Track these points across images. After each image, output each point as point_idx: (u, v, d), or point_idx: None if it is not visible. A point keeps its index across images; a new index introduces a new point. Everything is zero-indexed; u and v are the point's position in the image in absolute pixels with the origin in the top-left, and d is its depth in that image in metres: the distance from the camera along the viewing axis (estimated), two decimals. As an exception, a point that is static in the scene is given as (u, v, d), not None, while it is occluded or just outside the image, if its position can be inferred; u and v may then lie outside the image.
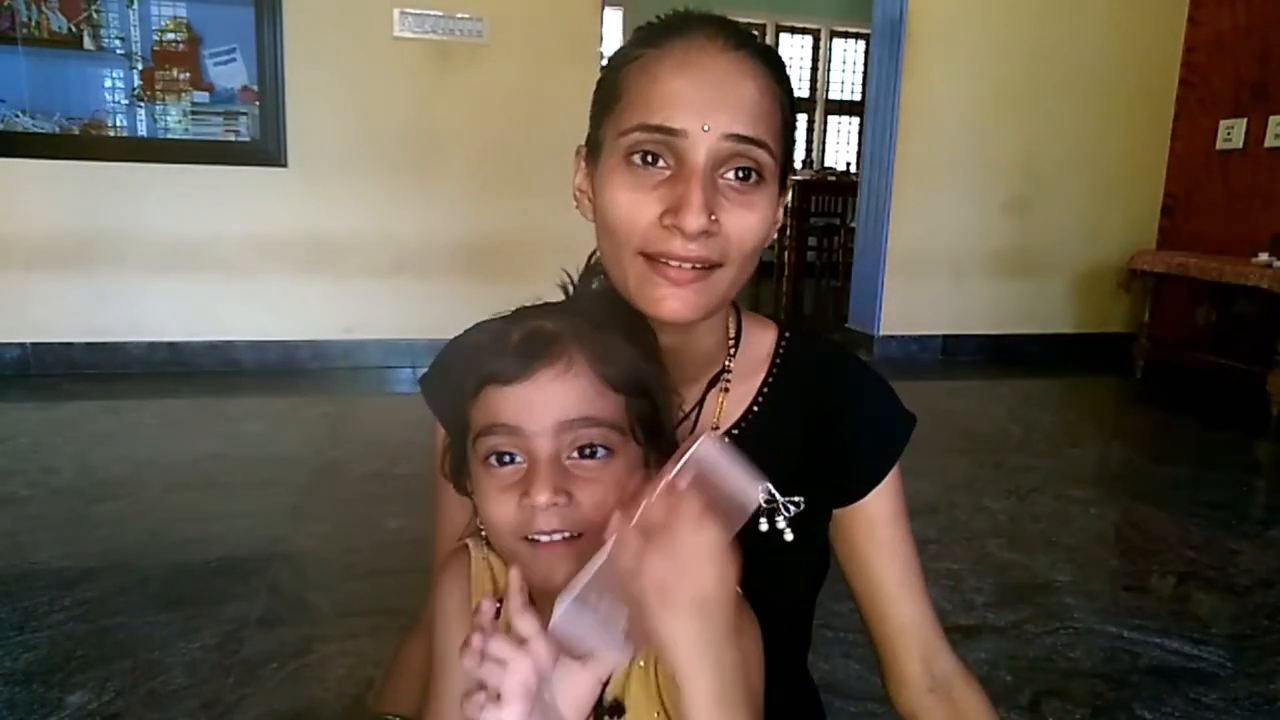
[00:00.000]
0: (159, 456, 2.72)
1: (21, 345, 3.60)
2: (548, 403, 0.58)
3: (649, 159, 0.68)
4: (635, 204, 0.68)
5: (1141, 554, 2.29)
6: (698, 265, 0.68)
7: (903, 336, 4.57)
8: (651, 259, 0.68)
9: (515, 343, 0.59)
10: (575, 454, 0.59)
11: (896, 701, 0.83)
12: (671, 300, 0.68)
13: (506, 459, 0.59)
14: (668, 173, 0.68)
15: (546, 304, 0.66)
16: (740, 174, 0.68)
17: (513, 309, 0.66)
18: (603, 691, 0.65)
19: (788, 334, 0.85)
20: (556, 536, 0.58)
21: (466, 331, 0.68)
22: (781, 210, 0.77)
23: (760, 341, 0.84)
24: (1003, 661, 1.68)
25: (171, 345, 3.74)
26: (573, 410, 0.58)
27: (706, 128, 0.66)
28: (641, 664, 0.65)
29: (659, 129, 0.67)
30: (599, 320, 0.62)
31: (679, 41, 0.69)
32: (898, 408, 0.85)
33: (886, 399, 0.84)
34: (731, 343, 0.82)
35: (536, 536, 0.58)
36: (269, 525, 2.20)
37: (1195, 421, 3.70)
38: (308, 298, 3.86)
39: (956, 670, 0.81)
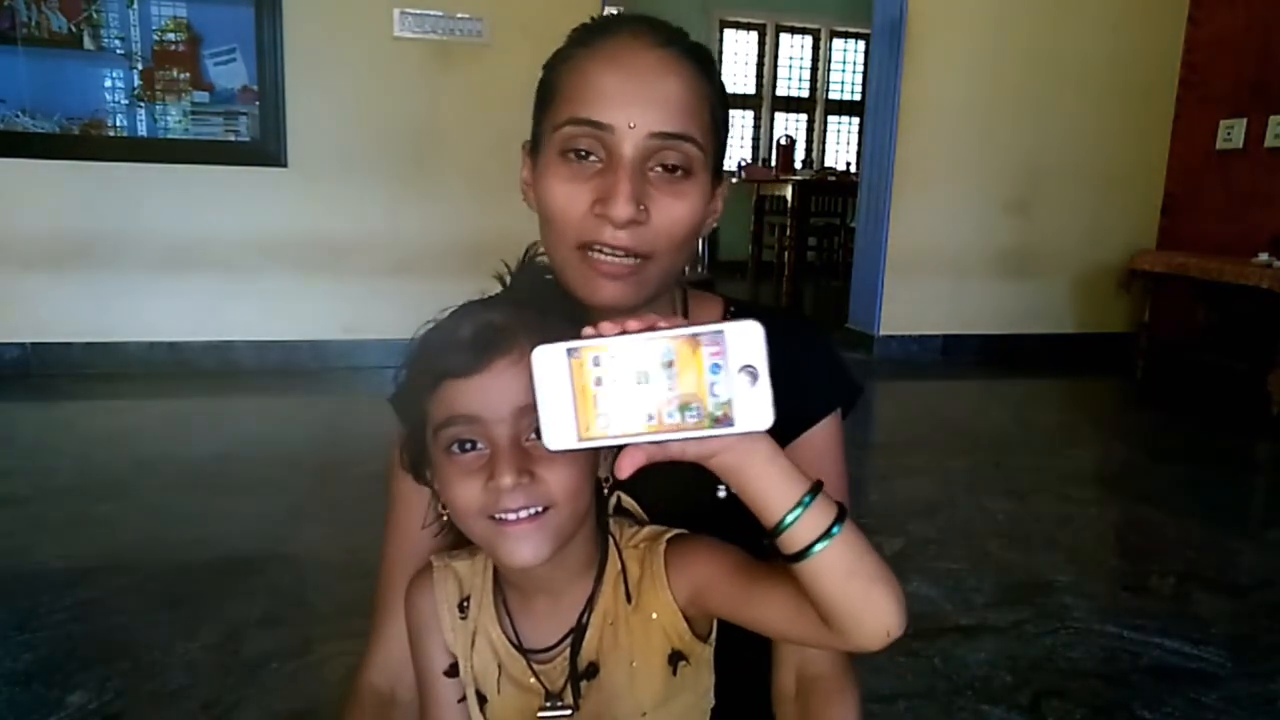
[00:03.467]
0: (159, 456, 2.72)
1: (21, 345, 3.60)
2: (504, 391, 0.60)
3: (581, 154, 0.71)
4: (569, 195, 0.71)
5: (1141, 554, 2.29)
6: (629, 255, 0.70)
7: (903, 336, 4.57)
8: (585, 251, 0.71)
9: (468, 337, 0.62)
10: (533, 435, 0.61)
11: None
12: (607, 289, 0.71)
13: (468, 446, 0.62)
14: (599, 165, 0.70)
15: (490, 297, 0.69)
16: (669, 167, 0.71)
17: (457, 304, 0.68)
18: (576, 657, 0.67)
19: (733, 308, 0.87)
20: (523, 514, 0.61)
21: (418, 333, 0.70)
22: (720, 200, 0.79)
23: (707, 315, 0.85)
24: (1003, 661, 1.68)
25: (171, 345, 3.74)
26: (528, 395, 0.60)
27: (633, 124, 0.69)
28: (611, 623, 0.68)
29: (588, 122, 0.69)
30: (541, 308, 0.65)
31: (608, 39, 0.72)
32: (845, 372, 0.85)
33: (835, 363, 0.85)
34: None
35: (503, 515, 0.61)
36: (269, 525, 2.20)
37: (1195, 421, 3.70)
38: (308, 298, 3.86)
39: (828, 674, 0.77)
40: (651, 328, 0.51)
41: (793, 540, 0.54)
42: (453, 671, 0.72)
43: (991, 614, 1.86)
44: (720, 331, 0.49)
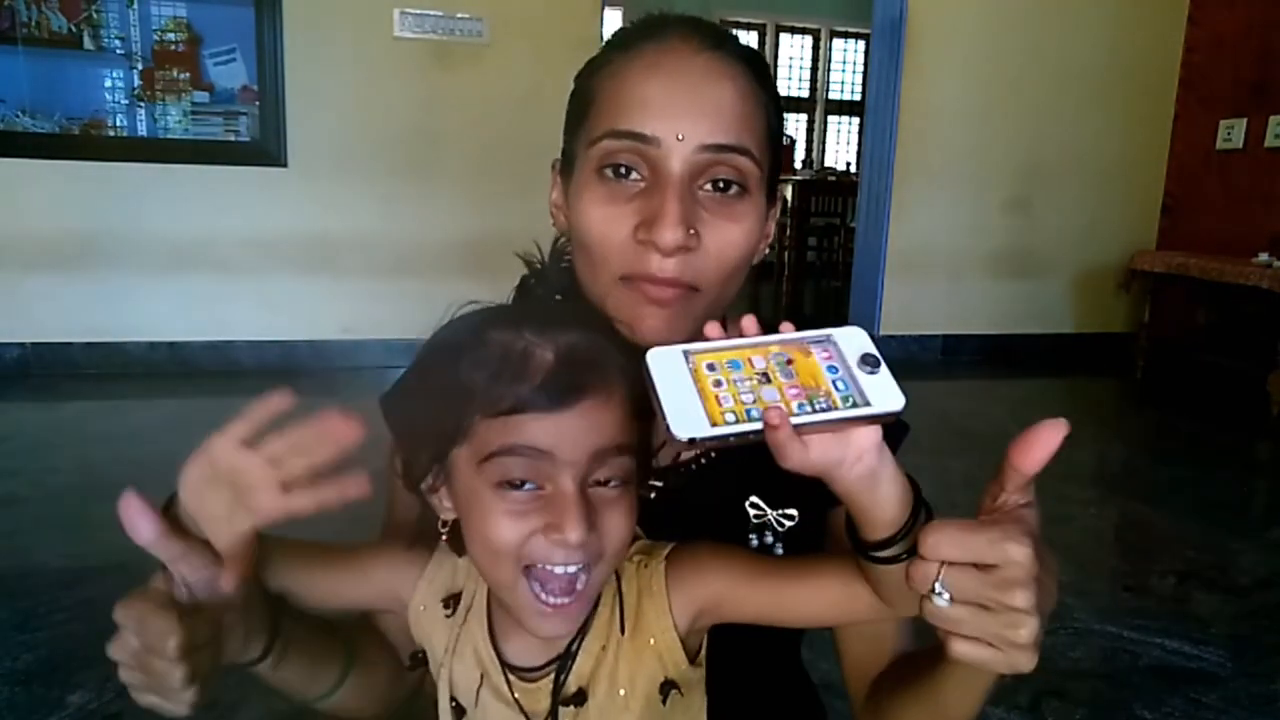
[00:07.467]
0: (159, 456, 2.71)
1: (21, 345, 3.60)
2: (588, 431, 0.54)
3: (621, 171, 0.64)
4: (609, 220, 0.64)
5: (1141, 554, 2.29)
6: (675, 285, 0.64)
7: (903, 336, 4.57)
8: (631, 283, 0.65)
9: (552, 365, 0.54)
10: (594, 482, 0.56)
11: None
12: (652, 319, 0.65)
13: (520, 484, 0.55)
14: (642, 185, 0.64)
15: (551, 308, 0.62)
16: (721, 185, 0.64)
17: (491, 308, 0.61)
18: (563, 682, 0.63)
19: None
20: (572, 568, 0.56)
21: (440, 336, 0.60)
22: (772, 224, 0.72)
23: None
24: (1003, 661, 1.67)
25: (171, 345, 3.74)
26: (609, 440, 0.55)
27: (681, 137, 0.62)
28: (604, 648, 0.64)
29: (629, 134, 0.63)
30: (609, 331, 0.59)
31: (651, 44, 0.66)
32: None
33: None
34: None
35: (545, 568, 0.56)
36: (268, 525, 2.19)
37: (1195, 421, 3.70)
38: (308, 298, 3.86)
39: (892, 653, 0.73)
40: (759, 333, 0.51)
41: (899, 547, 0.53)
42: (415, 663, 0.69)
43: (991, 614, 1.86)
44: (827, 336, 0.51)
